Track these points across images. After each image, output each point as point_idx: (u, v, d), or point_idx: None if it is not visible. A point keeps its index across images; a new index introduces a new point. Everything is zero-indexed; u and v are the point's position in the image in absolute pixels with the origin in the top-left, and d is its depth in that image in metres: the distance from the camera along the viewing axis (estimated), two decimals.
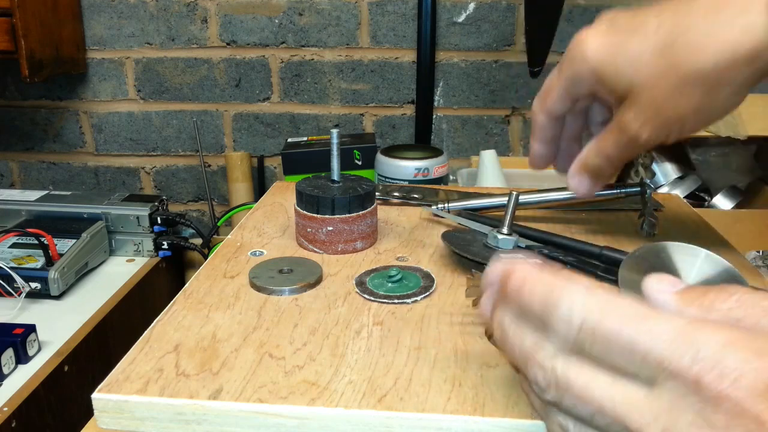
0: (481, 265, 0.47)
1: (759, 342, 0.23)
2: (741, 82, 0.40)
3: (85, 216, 0.97)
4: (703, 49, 0.39)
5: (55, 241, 0.87)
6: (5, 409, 0.65)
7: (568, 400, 0.26)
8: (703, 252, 0.39)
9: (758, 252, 0.94)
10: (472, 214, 0.58)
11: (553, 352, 0.26)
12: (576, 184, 0.49)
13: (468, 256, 0.49)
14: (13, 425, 0.65)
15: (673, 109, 0.41)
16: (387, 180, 0.98)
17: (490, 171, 1.08)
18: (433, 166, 0.97)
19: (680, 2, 0.40)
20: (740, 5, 0.38)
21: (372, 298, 0.45)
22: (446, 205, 0.61)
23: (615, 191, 0.59)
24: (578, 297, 0.26)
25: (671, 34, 0.40)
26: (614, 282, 0.43)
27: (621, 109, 0.44)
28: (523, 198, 0.60)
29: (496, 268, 0.30)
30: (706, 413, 0.23)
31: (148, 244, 0.99)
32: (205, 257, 1.01)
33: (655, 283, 0.28)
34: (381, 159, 0.99)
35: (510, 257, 0.32)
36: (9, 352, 0.70)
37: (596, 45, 0.43)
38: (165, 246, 1.00)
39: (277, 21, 1.26)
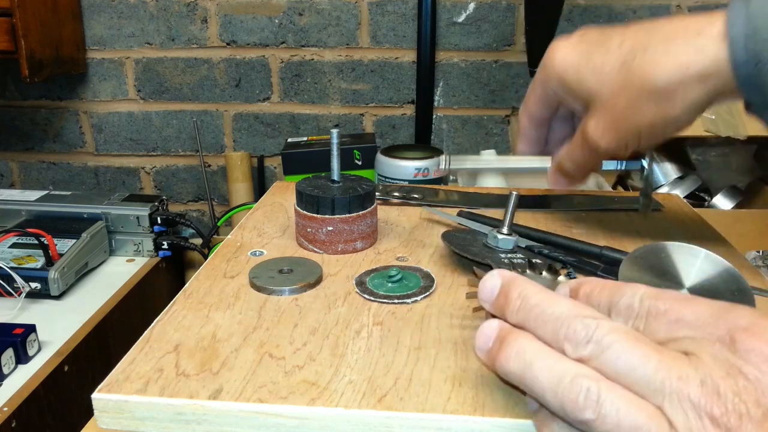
0: (481, 265, 0.47)
1: None
2: (693, 99, 0.42)
3: (85, 216, 0.97)
4: (658, 66, 0.42)
5: (55, 241, 0.87)
6: (5, 409, 0.65)
7: (611, 353, 0.27)
8: (703, 252, 0.39)
9: (758, 252, 0.94)
10: (472, 214, 0.58)
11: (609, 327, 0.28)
12: (554, 182, 0.53)
13: (468, 256, 0.49)
14: (13, 425, 0.65)
15: (630, 120, 0.44)
16: (387, 180, 0.98)
17: (490, 171, 1.08)
18: (433, 166, 0.97)
19: (645, 25, 0.44)
20: (695, 31, 0.41)
21: (372, 298, 0.45)
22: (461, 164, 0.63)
23: (616, 166, 0.58)
24: (637, 287, 0.30)
25: (632, 51, 0.43)
26: None
27: (584, 118, 0.47)
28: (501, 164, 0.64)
29: (492, 283, 0.32)
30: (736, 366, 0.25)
31: (148, 244, 0.99)
32: (205, 257, 1.01)
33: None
34: (381, 159, 0.99)
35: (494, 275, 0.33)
36: (9, 352, 0.70)
37: (563, 54, 0.47)
38: (165, 246, 1.00)
39: (277, 21, 1.26)
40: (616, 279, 0.41)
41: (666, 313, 0.28)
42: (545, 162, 0.55)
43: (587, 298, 0.31)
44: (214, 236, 1.09)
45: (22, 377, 0.70)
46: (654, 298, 0.29)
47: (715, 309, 0.27)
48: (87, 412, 0.36)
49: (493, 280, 0.32)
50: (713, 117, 1.02)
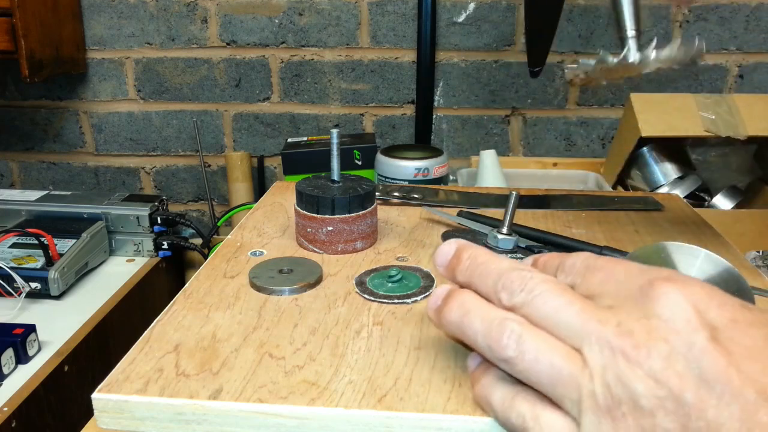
0: None
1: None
2: None
3: (85, 216, 0.97)
4: None
5: (55, 241, 0.87)
6: (5, 409, 0.65)
7: (539, 299, 0.29)
8: (702, 252, 0.39)
9: (758, 252, 0.94)
10: (472, 214, 0.58)
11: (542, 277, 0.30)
12: None
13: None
14: (13, 425, 0.65)
15: None
16: (387, 180, 0.98)
17: (490, 171, 1.08)
18: (433, 166, 0.97)
19: None
20: None
21: (372, 298, 0.45)
22: None
23: None
24: (585, 252, 0.32)
25: None
26: None
27: None
28: None
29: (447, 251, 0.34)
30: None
31: (148, 244, 0.99)
32: (205, 257, 1.01)
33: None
34: (381, 159, 0.99)
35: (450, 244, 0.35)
36: (9, 352, 0.70)
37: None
38: (165, 246, 1.00)
39: (277, 21, 1.26)
40: None
41: (601, 269, 0.30)
42: None
43: (543, 266, 0.33)
44: (214, 236, 1.09)
45: (22, 377, 0.70)
46: (593, 258, 0.31)
47: (645, 268, 0.29)
48: (87, 412, 0.36)
49: (449, 246, 0.34)
50: (713, 117, 1.02)
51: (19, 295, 0.80)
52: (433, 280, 0.47)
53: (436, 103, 1.28)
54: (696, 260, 0.39)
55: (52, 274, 0.83)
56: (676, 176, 1.10)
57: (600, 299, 0.29)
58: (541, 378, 0.28)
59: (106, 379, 0.37)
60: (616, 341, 0.26)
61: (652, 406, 0.25)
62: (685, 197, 0.93)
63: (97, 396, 0.35)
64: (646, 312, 0.27)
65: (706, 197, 1.12)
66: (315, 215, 0.53)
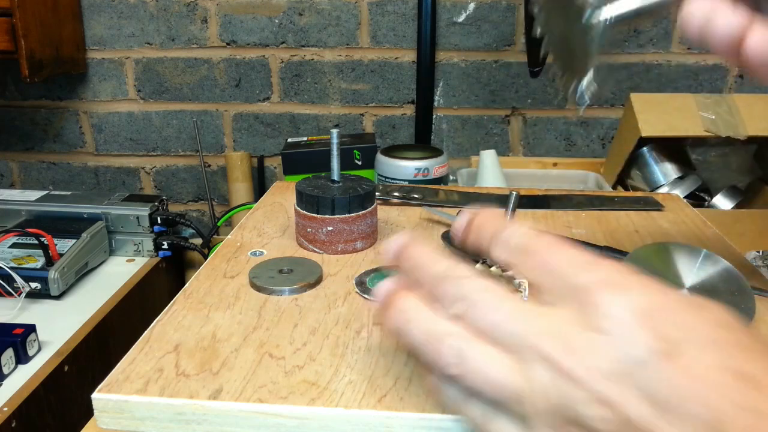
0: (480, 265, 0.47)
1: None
2: None
3: (85, 216, 0.97)
4: None
5: (55, 241, 0.87)
6: (5, 409, 0.65)
7: (476, 312, 0.27)
8: (703, 252, 0.39)
9: (758, 252, 0.94)
10: None
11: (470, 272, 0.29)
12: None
13: (468, 256, 0.49)
14: (13, 425, 0.65)
15: None
16: (387, 180, 0.98)
17: (490, 171, 1.08)
18: (433, 166, 0.97)
19: None
20: None
21: (372, 298, 0.45)
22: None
23: None
24: (522, 226, 0.30)
25: None
26: None
27: None
28: None
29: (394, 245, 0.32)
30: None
31: (148, 244, 0.99)
32: (205, 257, 1.01)
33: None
34: (381, 159, 0.99)
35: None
36: (9, 352, 0.70)
37: None
38: (165, 246, 1.00)
39: (277, 21, 1.26)
40: None
41: (535, 253, 0.28)
42: None
43: (477, 230, 0.31)
44: (214, 236, 1.09)
45: (22, 377, 0.70)
46: (530, 237, 0.29)
47: (581, 261, 0.27)
48: (87, 412, 0.36)
49: (396, 240, 0.32)
50: (713, 117, 1.02)
51: (19, 295, 0.80)
52: None
53: (436, 103, 1.28)
54: (696, 260, 0.39)
55: (52, 274, 0.83)
56: (676, 176, 1.10)
57: (537, 291, 0.28)
58: (486, 393, 0.27)
59: (106, 379, 0.37)
60: (560, 361, 0.25)
61: (601, 428, 0.24)
62: (685, 197, 0.93)
63: (97, 396, 0.35)
64: (589, 322, 0.25)
65: (706, 197, 1.12)
66: (315, 215, 0.53)
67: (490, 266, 0.45)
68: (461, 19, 1.23)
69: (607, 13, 0.28)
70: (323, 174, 0.57)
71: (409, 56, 1.26)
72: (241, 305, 0.45)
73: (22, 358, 0.72)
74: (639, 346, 0.24)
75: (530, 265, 0.28)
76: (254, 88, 1.30)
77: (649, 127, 1.02)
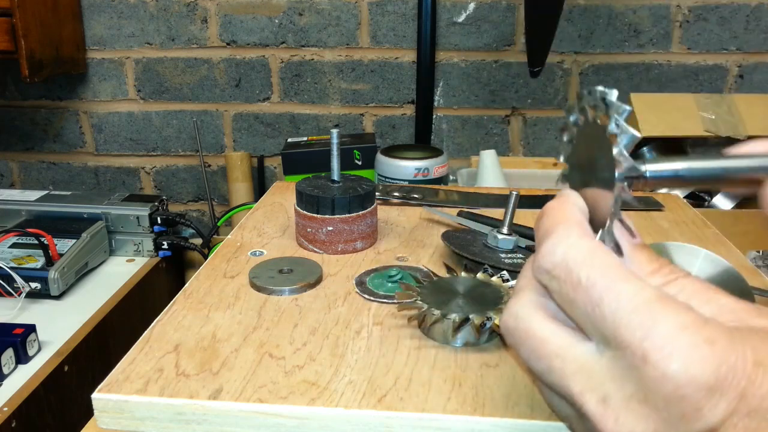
0: (481, 265, 0.47)
1: (708, 330, 0.23)
2: None
3: (85, 216, 0.97)
4: None
5: (55, 241, 0.87)
6: (5, 409, 0.65)
7: (524, 351, 0.26)
8: (702, 252, 0.39)
9: (758, 252, 0.94)
10: (472, 214, 0.58)
11: (528, 299, 0.27)
12: None
13: (468, 256, 0.49)
14: (13, 425, 0.65)
15: None
16: (387, 180, 0.98)
17: (490, 171, 1.08)
18: (433, 166, 0.97)
19: None
20: None
21: (372, 298, 0.45)
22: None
23: None
24: (570, 236, 0.26)
25: None
26: None
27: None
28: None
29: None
30: (647, 389, 0.23)
31: (148, 244, 0.99)
32: (205, 257, 1.01)
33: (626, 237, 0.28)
34: (381, 159, 0.99)
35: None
36: (9, 352, 0.70)
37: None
38: (165, 246, 1.00)
39: (277, 21, 1.26)
40: None
41: (581, 290, 0.25)
42: None
43: (537, 230, 0.28)
44: (214, 236, 1.09)
45: (22, 377, 0.70)
46: (574, 265, 0.25)
47: (644, 301, 0.24)
48: (87, 412, 0.36)
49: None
50: (713, 117, 1.02)
51: (19, 295, 0.80)
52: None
53: (436, 103, 1.28)
54: (696, 260, 0.39)
55: (52, 274, 0.83)
56: None
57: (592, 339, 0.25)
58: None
59: (106, 379, 0.37)
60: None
61: None
62: (685, 197, 0.93)
63: (97, 396, 0.35)
64: (646, 394, 0.23)
65: (706, 197, 1.12)
66: (315, 215, 0.53)
67: (491, 275, 0.45)
68: (461, 19, 1.23)
69: (637, 172, 0.27)
70: (323, 174, 0.57)
71: (409, 56, 1.26)
72: (241, 305, 0.45)
73: (22, 358, 0.72)
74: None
75: (579, 303, 0.25)
76: (254, 88, 1.30)
77: (649, 127, 1.02)
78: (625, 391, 0.24)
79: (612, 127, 0.27)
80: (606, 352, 0.24)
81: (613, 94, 0.28)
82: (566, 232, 0.27)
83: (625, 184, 0.27)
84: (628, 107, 0.28)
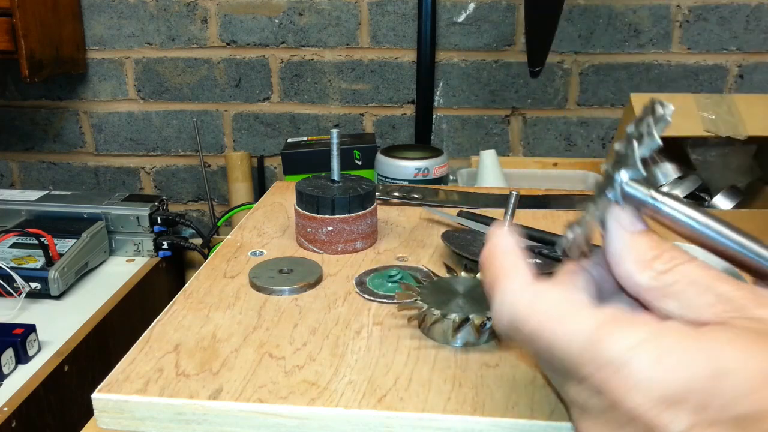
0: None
1: (661, 343, 0.24)
2: None
3: (85, 216, 0.97)
4: None
5: (55, 241, 0.87)
6: (5, 409, 0.65)
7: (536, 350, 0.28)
8: (701, 251, 0.39)
9: None
10: (472, 214, 0.58)
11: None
12: None
13: (468, 256, 0.49)
14: (13, 425, 0.65)
15: None
16: (387, 180, 0.98)
17: (490, 171, 1.08)
18: (433, 166, 0.97)
19: None
20: None
21: (372, 298, 0.45)
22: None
23: None
24: (509, 293, 0.28)
25: None
26: None
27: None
28: None
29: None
30: (610, 415, 0.24)
31: (148, 244, 0.99)
32: (205, 257, 1.01)
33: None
34: (381, 159, 0.99)
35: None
36: (9, 352, 0.70)
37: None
38: (165, 246, 1.00)
39: (277, 21, 1.26)
40: None
41: (535, 342, 0.27)
42: None
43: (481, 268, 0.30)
44: (214, 236, 1.09)
45: (22, 377, 0.70)
46: (522, 322, 0.27)
47: (591, 333, 0.25)
48: (87, 412, 0.36)
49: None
50: (713, 117, 1.02)
51: (19, 295, 0.80)
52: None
53: (436, 103, 1.28)
54: None
55: (52, 274, 0.83)
56: (676, 176, 1.10)
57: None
58: None
59: (106, 379, 0.37)
60: None
61: None
62: (685, 197, 0.93)
63: (97, 396, 0.35)
64: (610, 420, 0.25)
65: (706, 197, 1.12)
66: (315, 215, 0.53)
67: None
68: (461, 19, 1.23)
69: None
70: (323, 174, 0.57)
71: (409, 56, 1.26)
72: (241, 305, 0.45)
73: (22, 358, 0.72)
74: None
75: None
76: (254, 88, 1.30)
77: None
78: (595, 423, 0.25)
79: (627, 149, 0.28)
80: (571, 390, 0.26)
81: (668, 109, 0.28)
82: (504, 287, 0.28)
83: (625, 184, 0.28)
84: (660, 132, 0.28)
